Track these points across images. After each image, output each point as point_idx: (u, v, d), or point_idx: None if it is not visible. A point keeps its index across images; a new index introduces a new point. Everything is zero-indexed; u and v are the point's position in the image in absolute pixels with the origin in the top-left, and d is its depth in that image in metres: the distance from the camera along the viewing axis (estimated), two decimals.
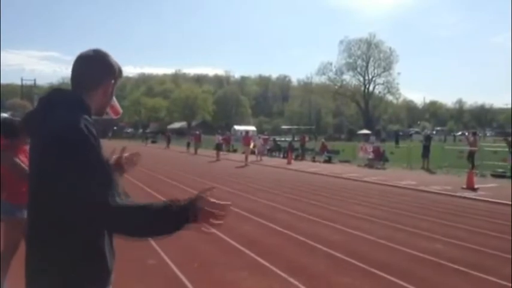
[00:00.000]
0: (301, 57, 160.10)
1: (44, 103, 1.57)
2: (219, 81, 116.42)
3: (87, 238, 1.46)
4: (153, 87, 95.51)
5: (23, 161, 3.58)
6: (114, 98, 1.83)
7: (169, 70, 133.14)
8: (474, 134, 20.12)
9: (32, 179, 1.52)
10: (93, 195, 1.37)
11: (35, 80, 79.29)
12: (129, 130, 79.67)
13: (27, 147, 3.84)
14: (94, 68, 1.64)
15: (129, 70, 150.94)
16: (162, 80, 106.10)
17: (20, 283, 1.60)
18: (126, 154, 2.00)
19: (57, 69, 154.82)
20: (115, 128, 72.51)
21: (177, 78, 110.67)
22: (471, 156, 17.75)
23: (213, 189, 1.51)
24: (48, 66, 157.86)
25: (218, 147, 26.63)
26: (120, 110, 2.09)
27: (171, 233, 1.44)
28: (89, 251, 1.48)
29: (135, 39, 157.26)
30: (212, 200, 1.45)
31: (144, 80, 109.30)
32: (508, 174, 15.41)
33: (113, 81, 1.70)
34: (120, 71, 1.74)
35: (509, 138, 15.96)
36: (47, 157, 1.43)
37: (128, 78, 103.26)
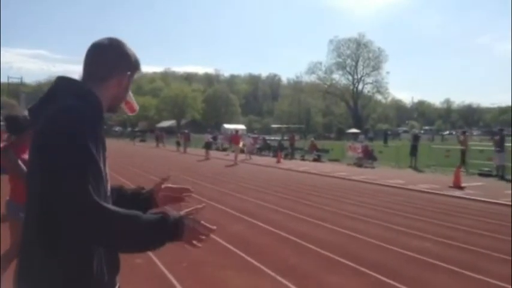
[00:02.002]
0: (291, 56, 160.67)
1: (48, 93, 1.46)
2: (209, 80, 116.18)
3: (77, 244, 1.34)
4: (142, 85, 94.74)
5: (25, 159, 3.52)
6: (130, 93, 1.69)
7: (158, 68, 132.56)
8: (464, 133, 20.36)
9: (27, 176, 1.42)
10: (79, 192, 1.25)
11: (21, 78, 78.33)
12: (117, 128, 78.94)
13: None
14: (107, 56, 1.51)
15: None
16: (151, 78, 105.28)
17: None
18: (169, 185, 1.73)
19: (44, 68, 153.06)
20: (104, 127, 71.76)
21: (166, 77, 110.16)
22: (462, 154, 17.99)
23: (203, 209, 1.50)
24: (36, 64, 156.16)
25: (207, 146, 26.55)
26: (137, 107, 1.95)
27: (154, 248, 1.37)
28: (79, 258, 1.36)
29: (124, 37, 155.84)
30: (200, 221, 1.42)
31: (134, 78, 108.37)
32: (494, 173, 15.61)
33: (128, 72, 1.56)
34: (137, 62, 1.59)
35: (496, 138, 16.11)
36: (38, 148, 1.33)
37: None
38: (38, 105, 1.45)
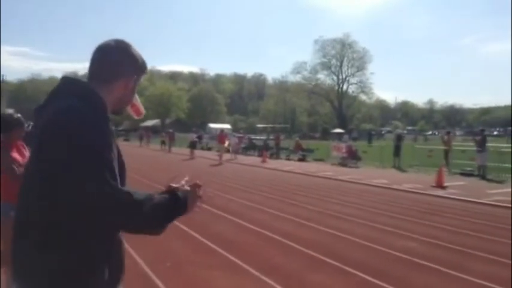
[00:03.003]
0: (277, 55, 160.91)
1: (52, 93, 1.44)
2: (194, 79, 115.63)
3: (81, 246, 1.33)
4: None
5: (15, 158, 3.49)
6: (136, 96, 1.67)
7: None
8: (448, 133, 20.64)
9: (25, 176, 1.39)
10: (98, 187, 1.25)
11: (2, 75, 76.75)
12: None
13: (20, 143, 3.74)
14: (114, 57, 1.50)
15: None
16: None
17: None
18: (182, 183, 1.70)
19: (26, 65, 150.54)
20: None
21: (151, 76, 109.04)
22: (446, 154, 18.25)
23: (176, 177, 1.61)
24: (18, 62, 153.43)
25: (192, 146, 26.42)
26: (143, 110, 1.92)
27: (167, 224, 1.44)
28: (84, 260, 1.34)
29: (108, 35, 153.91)
30: (196, 189, 1.55)
31: None
32: (476, 172, 15.86)
33: (135, 75, 1.56)
34: (144, 65, 1.59)
35: (478, 138, 16.36)
36: (38, 149, 1.32)
37: None
38: (42, 105, 1.44)
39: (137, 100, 1.75)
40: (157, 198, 1.39)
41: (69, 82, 1.47)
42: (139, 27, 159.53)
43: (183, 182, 1.55)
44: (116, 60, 1.50)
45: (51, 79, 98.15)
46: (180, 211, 1.46)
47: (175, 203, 1.44)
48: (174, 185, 1.53)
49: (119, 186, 1.32)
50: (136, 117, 1.95)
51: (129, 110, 1.74)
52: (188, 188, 1.53)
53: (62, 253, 1.31)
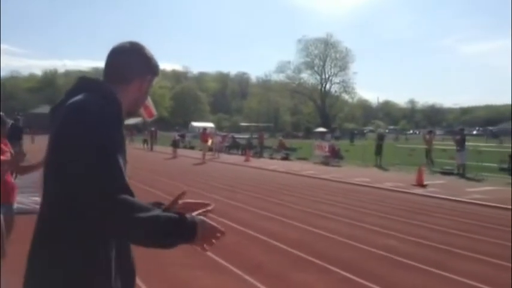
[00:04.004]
0: (260, 54, 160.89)
1: (68, 93, 1.42)
2: (177, 77, 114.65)
3: (89, 245, 1.31)
4: None
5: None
6: (149, 98, 1.67)
7: None
8: (430, 132, 20.96)
9: (45, 176, 1.37)
10: (104, 182, 1.22)
11: None
12: None
13: (3, 142, 3.67)
14: (129, 59, 1.50)
15: (84, 64, 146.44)
16: None
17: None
18: (187, 201, 1.65)
19: (7, 62, 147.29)
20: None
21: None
22: (428, 153, 18.54)
23: (185, 193, 1.50)
24: None
25: (175, 144, 26.26)
26: (155, 112, 1.91)
27: (170, 245, 1.34)
28: (89, 260, 1.32)
29: (90, 32, 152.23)
30: (214, 224, 1.41)
31: (98, 74, 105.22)
32: (455, 171, 16.15)
33: (149, 77, 1.56)
34: (157, 67, 1.59)
35: (457, 138, 16.66)
36: (58, 139, 1.31)
37: (81, 73, 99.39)
38: (59, 104, 1.43)
39: (150, 102, 1.74)
40: (163, 214, 1.32)
41: (86, 81, 1.47)
42: (121, 23, 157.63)
43: (195, 213, 1.45)
44: (131, 61, 1.51)
45: (31, 76, 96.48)
46: (185, 235, 1.34)
47: (179, 224, 1.33)
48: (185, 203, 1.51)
49: (128, 185, 1.29)
50: (148, 119, 1.93)
51: (142, 111, 1.73)
52: (202, 217, 1.41)
53: (66, 256, 1.30)
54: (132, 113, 1.58)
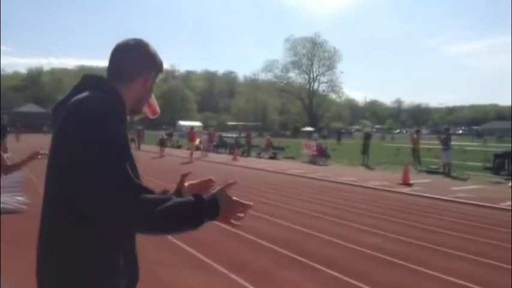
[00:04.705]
0: (248, 53, 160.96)
1: (72, 91, 1.41)
2: (164, 76, 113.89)
3: (101, 244, 1.31)
4: None
5: None
6: (152, 96, 1.65)
7: None
8: (417, 132, 21.15)
9: (47, 173, 1.35)
10: (118, 178, 1.21)
11: None
12: None
13: None
14: (134, 56, 1.48)
15: (68, 62, 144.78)
16: (103, 72, 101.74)
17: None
18: (192, 182, 1.67)
19: None
20: (49, 122, 68.64)
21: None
22: (415, 152, 18.71)
23: (235, 183, 1.47)
24: None
25: (162, 143, 26.11)
26: (158, 110, 1.88)
27: (192, 229, 1.34)
28: (92, 265, 1.31)
29: (74, 30, 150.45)
30: (235, 198, 1.39)
31: (84, 72, 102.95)
32: (441, 170, 16.33)
33: (153, 74, 1.54)
34: (161, 64, 1.58)
35: (443, 137, 16.84)
36: (64, 139, 1.28)
37: (66, 71, 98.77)
38: (61, 102, 1.41)
39: (153, 100, 1.72)
40: (177, 199, 1.32)
41: (90, 79, 1.46)
42: (106, 22, 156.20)
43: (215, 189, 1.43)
44: (136, 58, 1.49)
45: (16, 74, 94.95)
46: (207, 213, 1.34)
47: (198, 204, 1.33)
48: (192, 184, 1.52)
49: (139, 179, 1.29)
50: (151, 117, 1.90)
51: (146, 109, 1.71)
52: (221, 192, 1.40)
53: (71, 257, 1.29)
54: (136, 111, 1.57)
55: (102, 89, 1.38)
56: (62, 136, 1.30)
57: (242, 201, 1.41)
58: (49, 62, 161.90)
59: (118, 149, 1.27)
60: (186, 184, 1.65)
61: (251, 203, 1.42)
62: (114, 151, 1.25)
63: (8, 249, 4.31)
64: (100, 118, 1.26)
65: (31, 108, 67.69)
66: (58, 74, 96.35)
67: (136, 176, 1.31)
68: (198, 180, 1.69)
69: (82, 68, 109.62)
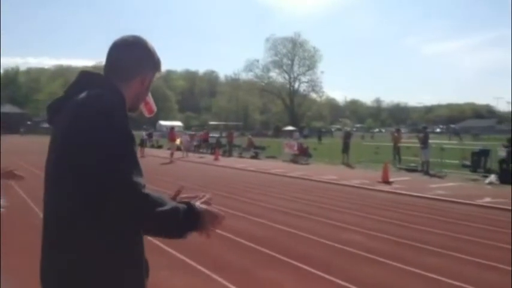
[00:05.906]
0: (229, 53, 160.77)
1: (71, 87, 1.38)
2: (163, 73, 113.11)
3: (96, 247, 1.27)
4: (71, 80, 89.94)
5: None
6: (149, 94, 1.63)
7: (89, 62, 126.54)
8: (398, 130, 21.44)
9: (48, 172, 1.34)
10: (123, 173, 1.21)
11: None
12: (46, 125, 74.45)
13: None
14: (133, 53, 1.47)
15: (45, 61, 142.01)
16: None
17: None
18: (183, 196, 1.63)
19: None
20: (29, 122, 67.12)
21: (98, 71, 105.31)
22: (396, 150, 18.98)
23: (183, 188, 1.52)
24: None
25: (142, 143, 25.86)
26: (155, 108, 1.85)
27: (180, 235, 1.34)
28: (98, 261, 1.28)
29: (51, 28, 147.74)
30: (214, 211, 1.40)
31: (61, 72, 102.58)
32: (419, 168, 16.59)
33: (151, 72, 1.53)
34: (159, 62, 1.56)
35: (421, 135, 17.11)
36: (72, 137, 1.25)
37: (43, 70, 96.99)
38: (59, 99, 1.39)
39: (150, 98, 1.71)
40: (175, 205, 1.32)
41: (88, 75, 1.43)
42: (88, 20, 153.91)
43: (198, 202, 1.44)
44: (135, 56, 1.47)
45: None
46: (194, 225, 1.35)
47: (190, 212, 1.34)
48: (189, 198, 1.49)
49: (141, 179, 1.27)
50: (148, 115, 1.88)
51: (142, 107, 1.70)
52: (205, 206, 1.42)
53: (75, 253, 1.27)
54: (134, 109, 1.55)
55: (105, 87, 1.36)
56: (73, 134, 1.27)
57: (220, 213, 1.42)
58: (26, 61, 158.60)
59: (131, 144, 1.29)
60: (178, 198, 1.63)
61: (224, 215, 1.43)
62: (130, 147, 1.27)
63: None
64: (112, 116, 1.26)
65: (8, 109, 66.30)
66: (35, 74, 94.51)
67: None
68: (191, 195, 1.66)
69: (59, 67, 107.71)
